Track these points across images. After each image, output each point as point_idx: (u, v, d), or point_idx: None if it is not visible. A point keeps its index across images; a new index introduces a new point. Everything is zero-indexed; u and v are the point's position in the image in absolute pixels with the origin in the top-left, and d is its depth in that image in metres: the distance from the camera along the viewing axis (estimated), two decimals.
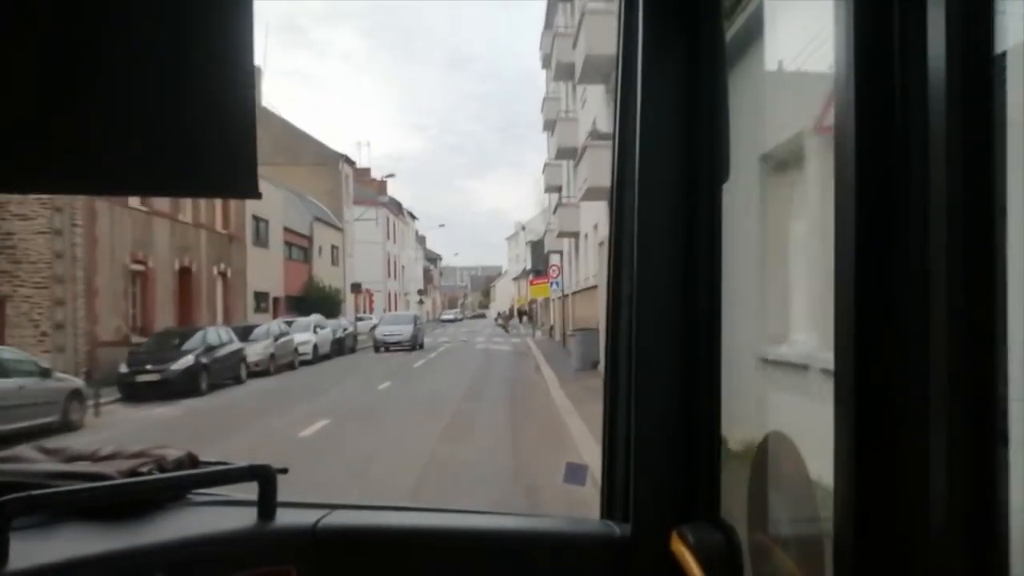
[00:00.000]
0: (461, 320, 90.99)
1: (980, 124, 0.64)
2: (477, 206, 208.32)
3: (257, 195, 0.85)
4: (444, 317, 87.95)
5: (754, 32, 1.37)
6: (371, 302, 62.01)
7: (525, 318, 70.21)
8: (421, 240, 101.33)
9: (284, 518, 1.50)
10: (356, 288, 40.81)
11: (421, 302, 64.52)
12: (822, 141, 1.00)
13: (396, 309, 66.96)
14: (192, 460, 1.63)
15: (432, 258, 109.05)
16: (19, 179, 0.83)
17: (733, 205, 1.36)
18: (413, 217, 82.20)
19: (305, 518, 1.51)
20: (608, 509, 1.55)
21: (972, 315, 0.65)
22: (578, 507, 4.32)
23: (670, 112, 1.35)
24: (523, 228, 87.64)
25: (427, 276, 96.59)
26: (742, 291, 1.43)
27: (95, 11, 0.78)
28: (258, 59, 0.89)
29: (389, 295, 63.91)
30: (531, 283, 44.93)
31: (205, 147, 0.82)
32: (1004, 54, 0.65)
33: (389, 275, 64.36)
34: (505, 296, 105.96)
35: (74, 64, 0.78)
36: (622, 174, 1.50)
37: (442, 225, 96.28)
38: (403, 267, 71.41)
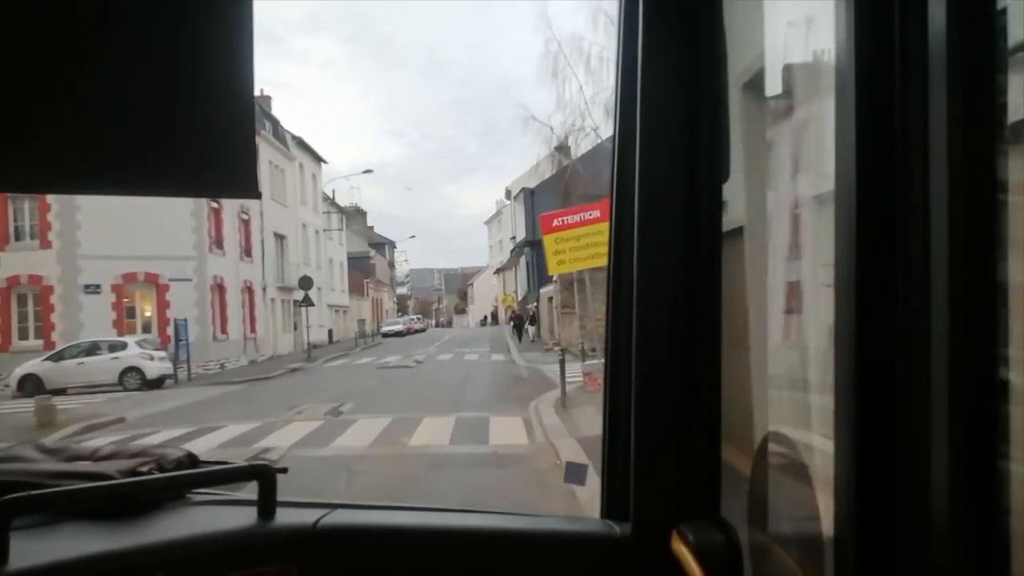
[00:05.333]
0: (423, 331, 61.48)
1: (981, 123, 0.65)
2: (457, 211, 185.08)
3: (257, 195, 0.86)
4: (387, 329, 56.83)
5: (755, 27, 1.39)
6: (162, 305, 27.39)
7: (532, 328, 37.63)
8: (361, 215, 67.70)
9: (284, 517, 1.51)
10: None
11: (305, 302, 29.92)
12: (822, 138, 0.96)
13: (252, 321, 32.27)
14: (192, 459, 1.65)
15: (378, 243, 75.58)
16: (18, 179, 0.83)
17: (734, 202, 1.38)
18: (319, 159, 47.46)
19: (305, 517, 1.51)
20: (608, 508, 1.56)
21: (972, 314, 0.66)
22: None
23: (671, 110, 1.35)
24: (509, 194, 55.11)
25: (364, 268, 63.12)
26: (743, 289, 1.44)
27: (94, 11, 0.78)
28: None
29: (222, 289, 29.34)
30: (550, 230, 12.51)
31: (204, 147, 0.82)
32: (1005, 52, 0.66)
33: (219, 247, 29.52)
34: (486, 296, 76.41)
35: (73, 64, 0.78)
36: (623, 174, 1.49)
37: (369, 171, 61.92)
38: (281, 238, 37.10)
